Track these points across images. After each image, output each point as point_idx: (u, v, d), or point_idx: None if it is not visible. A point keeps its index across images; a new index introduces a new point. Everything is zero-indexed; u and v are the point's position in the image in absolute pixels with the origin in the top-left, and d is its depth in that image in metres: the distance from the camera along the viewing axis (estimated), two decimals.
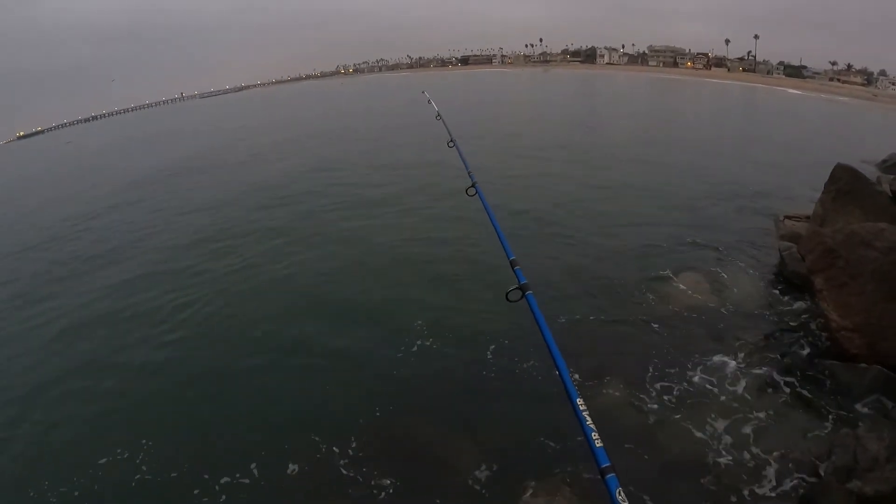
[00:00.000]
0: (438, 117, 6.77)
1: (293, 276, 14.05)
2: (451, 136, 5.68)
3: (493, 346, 9.93)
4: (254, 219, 19.59)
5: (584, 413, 1.99)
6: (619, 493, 1.69)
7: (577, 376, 8.76)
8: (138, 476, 8.03)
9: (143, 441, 8.65)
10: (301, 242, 16.14)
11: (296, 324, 11.68)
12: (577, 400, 2.03)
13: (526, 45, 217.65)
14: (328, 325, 11.55)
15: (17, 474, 8.57)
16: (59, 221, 24.16)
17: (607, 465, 1.78)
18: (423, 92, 8.69)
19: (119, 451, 8.51)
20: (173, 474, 8.00)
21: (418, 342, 10.44)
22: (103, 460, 8.40)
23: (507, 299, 2.74)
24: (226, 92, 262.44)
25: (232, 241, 17.43)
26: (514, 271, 2.94)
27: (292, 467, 7.89)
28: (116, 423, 9.35)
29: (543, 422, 7.84)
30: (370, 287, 12.61)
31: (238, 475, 7.84)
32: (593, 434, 1.88)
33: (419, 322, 11.00)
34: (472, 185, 4.22)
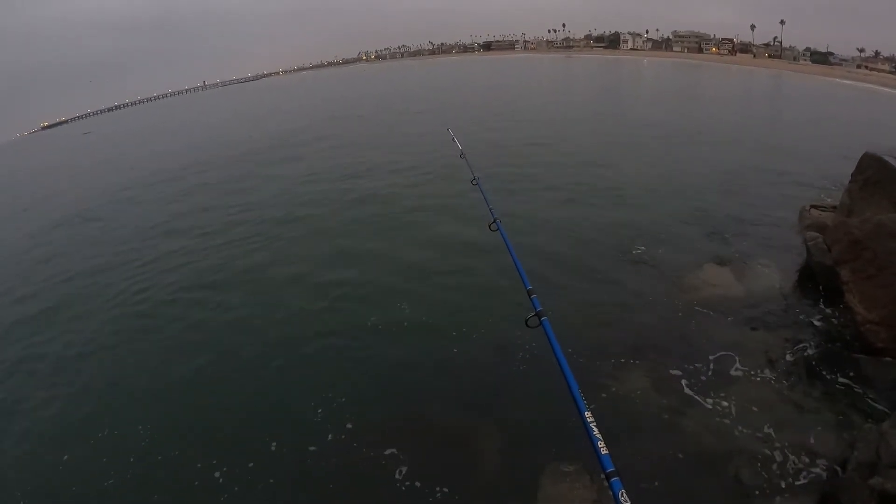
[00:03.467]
0: (462, 156, 7.22)
1: (333, 283, 13.90)
2: (473, 174, 6.03)
3: (513, 356, 9.78)
4: (271, 227, 19.63)
5: (591, 424, 2.26)
6: (622, 494, 1.91)
7: (590, 376, 8.73)
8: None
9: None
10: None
11: (330, 328, 11.65)
12: (586, 413, 2.33)
13: (549, 31, 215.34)
14: (355, 327, 11.58)
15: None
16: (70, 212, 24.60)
17: (611, 469, 2.03)
18: (447, 129, 9.23)
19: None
20: (182, 464, 8.20)
21: (442, 350, 10.38)
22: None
23: (527, 325, 3.15)
24: (247, 80, 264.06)
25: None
26: (531, 300, 3.32)
27: (307, 454, 8.04)
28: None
29: (559, 422, 7.77)
30: (397, 302, 12.50)
31: (253, 463, 8.01)
32: (599, 443, 2.15)
33: (443, 335, 10.92)
34: (494, 221, 4.79)
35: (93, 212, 25.17)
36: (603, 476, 2.05)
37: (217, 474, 7.82)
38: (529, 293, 3.42)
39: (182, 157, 37.39)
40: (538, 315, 3.14)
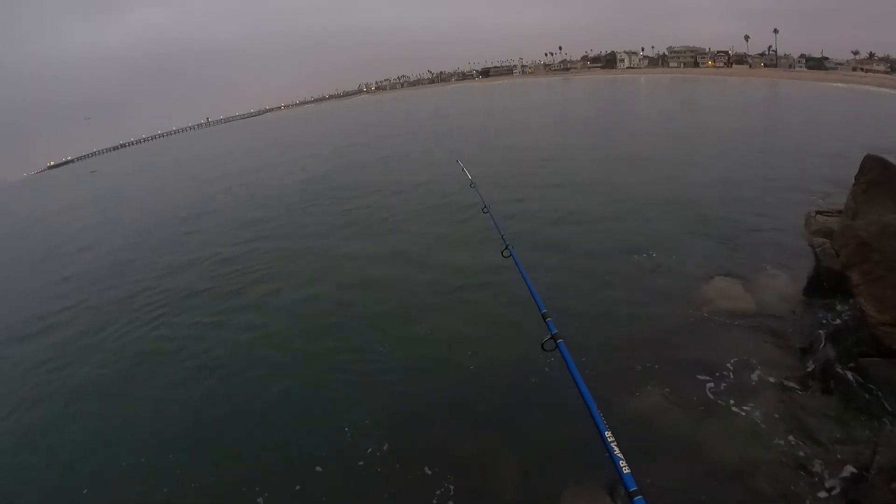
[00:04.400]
0: (472, 185, 7.56)
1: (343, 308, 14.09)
2: (484, 203, 6.19)
3: (530, 380, 9.78)
4: (285, 248, 19.84)
5: (612, 444, 2.25)
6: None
7: (608, 395, 8.72)
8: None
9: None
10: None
11: (349, 352, 11.79)
12: (606, 433, 2.33)
13: (545, 54, 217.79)
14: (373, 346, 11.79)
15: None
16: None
17: (635, 489, 2.01)
18: (456, 161, 9.70)
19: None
20: (222, 491, 8.24)
21: (460, 374, 10.42)
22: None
23: (543, 349, 3.19)
24: (249, 115, 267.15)
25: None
26: (546, 323, 3.38)
27: (326, 472, 8.18)
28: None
29: (579, 444, 7.75)
30: (414, 328, 12.56)
31: (300, 486, 8.07)
32: (621, 462, 2.14)
33: (460, 355, 11.01)
34: (507, 248, 4.98)
35: (112, 248, 25.28)
36: (626, 494, 2.04)
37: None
38: (544, 316, 3.47)
39: (189, 193, 37.73)
40: (553, 338, 3.18)
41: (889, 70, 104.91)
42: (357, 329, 12.66)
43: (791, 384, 8.56)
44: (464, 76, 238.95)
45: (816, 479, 6.68)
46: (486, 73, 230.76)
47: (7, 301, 20.90)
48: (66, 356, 13.92)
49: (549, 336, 3.21)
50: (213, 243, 22.55)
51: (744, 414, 8.02)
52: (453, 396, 9.63)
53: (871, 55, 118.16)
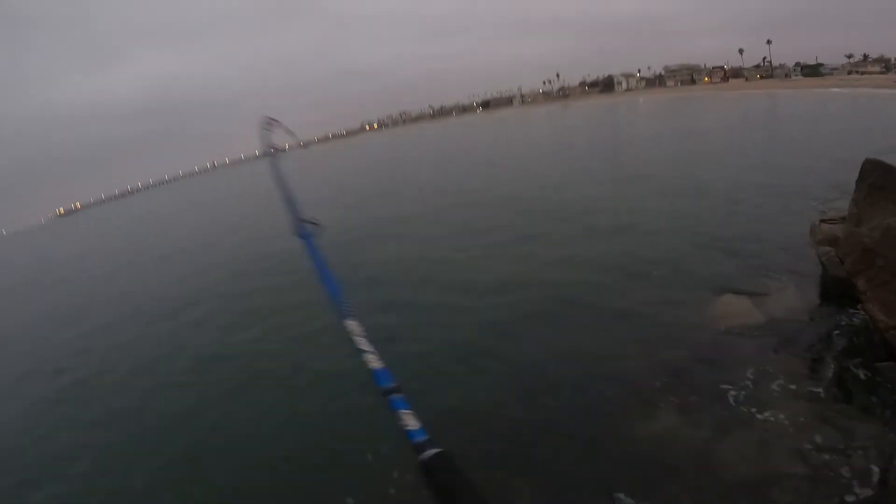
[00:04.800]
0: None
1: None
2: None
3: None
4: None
5: (355, 336, 1.90)
6: (405, 415, 1.60)
7: (619, 418, 8.87)
8: None
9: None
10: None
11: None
12: (348, 321, 1.96)
13: (543, 82, 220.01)
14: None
15: None
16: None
17: (391, 385, 1.68)
18: None
19: None
20: None
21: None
22: None
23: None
24: (255, 158, 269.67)
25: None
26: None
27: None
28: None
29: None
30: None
31: None
32: (369, 355, 1.80)
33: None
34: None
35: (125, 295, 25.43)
36: (380, 391, 1.67)
37: None
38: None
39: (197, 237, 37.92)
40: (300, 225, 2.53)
41: (885, 70, 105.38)
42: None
43: (807, 395, 8.56)
44: (464, 109, 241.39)
45: (842, 487, 6.65)
46: (486, 104, 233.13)
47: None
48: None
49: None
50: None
51: (762, 428, 8.01)
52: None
53: (866, 57, 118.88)
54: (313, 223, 2.62)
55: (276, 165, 3.35)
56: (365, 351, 1.84)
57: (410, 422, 1.57)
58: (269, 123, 4.20)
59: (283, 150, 3.77)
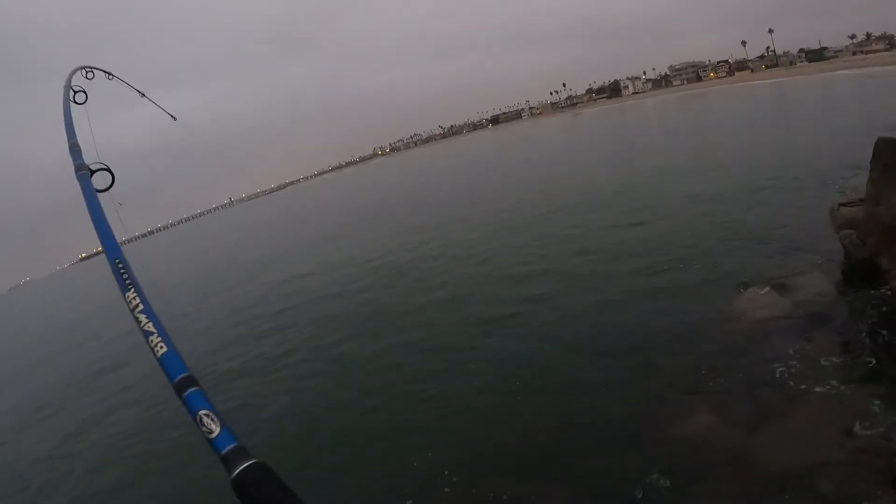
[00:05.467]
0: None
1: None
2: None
3: None
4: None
5: (136, 311, 1.54)
6: (206, 417, 1.24)
7: (655, 422, 8.85)
8: None
9: None
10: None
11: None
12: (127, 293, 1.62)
13: (551, 93, 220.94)
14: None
15: None
16: None
17: (184, 375, 1.35)
18: None
19: None
20: None
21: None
22: None
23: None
24: (272, 191, 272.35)
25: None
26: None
27: None
28: None
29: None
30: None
31: None
32: (154, 337, 1.45)
33: None
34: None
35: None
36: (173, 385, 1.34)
37: None
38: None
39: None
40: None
41: (889, 47, 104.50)
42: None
43: (842, 379, 8.45)
44: (475, 126, 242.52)
45: (875, 474, 6.59)
46: (495, 120, 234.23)
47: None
48: None
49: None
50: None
51: (798, 417, 7.95)
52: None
53: (869, 36, 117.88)
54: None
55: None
56: (149, 332, 1.46)
57: (213, 425, 1.22)
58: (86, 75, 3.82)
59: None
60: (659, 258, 16.25)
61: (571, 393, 10.37)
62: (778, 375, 8.99)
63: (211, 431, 1.20)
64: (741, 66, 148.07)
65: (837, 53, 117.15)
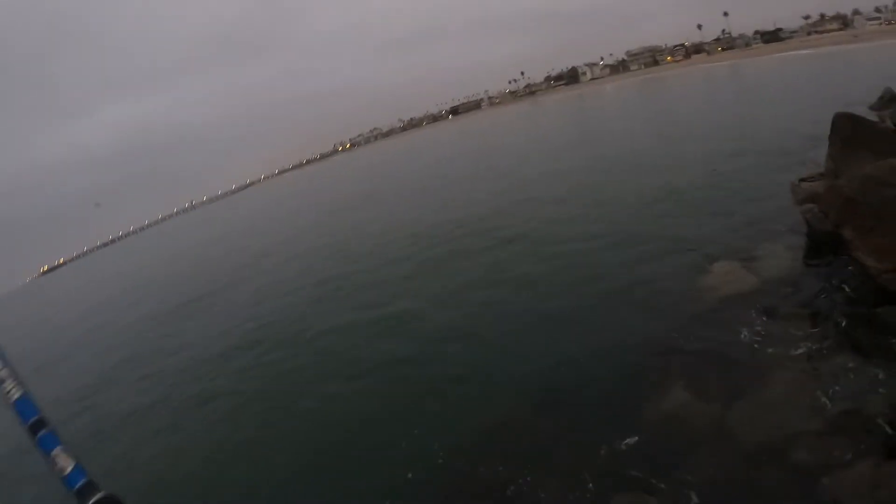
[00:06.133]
0: None
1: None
2: None
3: None
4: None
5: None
6: (56, 453, 1.30)
7: (630, 403, 8.82)
8: None
9: None
10: None
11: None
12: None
13: (509, 82, 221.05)
14: None
15: None
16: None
17: (36, 417, 1.36)
18: None
19: None
20: None
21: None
22: None
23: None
24: (233, 192, 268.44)
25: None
26: None
27: None
28: None
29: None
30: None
31: None
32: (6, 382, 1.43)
33: None
34: None
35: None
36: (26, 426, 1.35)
37: None
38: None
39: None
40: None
41: (843, 26, 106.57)
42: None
43: (811, 350, 8.55)
44: (434, 118, 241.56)
45: (856, 437, 6.63)
46: (454, 111, 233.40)
47: None
48: None
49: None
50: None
51: (771, 389, 7.99)
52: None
53: (823, 16, 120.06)
54: None
55: None
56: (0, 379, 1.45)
57: (65, 462, 1.28)
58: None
59: None
60: (622, 237, 16.42)
61: (542, 377, 10.30)
62: (749, 349, 9.06)
63: (62, 469, 1.25)
64: (698, 48, 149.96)
65: (793, 34, 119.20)
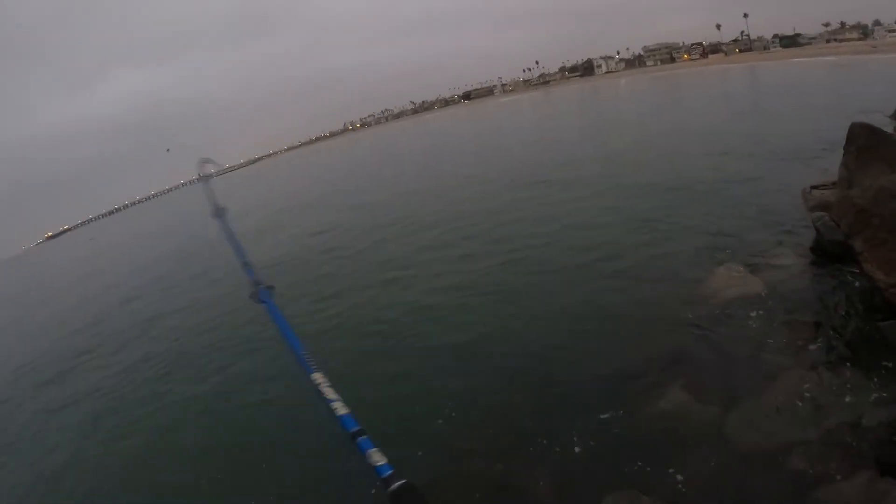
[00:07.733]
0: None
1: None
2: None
3: None
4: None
5: (321, 386, 2.13)
6: (373, 454, 1.82)
7: (628, 402, 8.74)
8: None
9: None
10: None
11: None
12: (314, 374, 2.19)
13: (524, 70, 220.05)
14: None
15: None
16: None
17: (357, 429, 1.93)
18: None
19: None
20: None
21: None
22: None
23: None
24: (241, 166, 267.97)
25: None
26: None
27: None
28: None
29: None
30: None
31: None
32: (335, 403, 2.04)
33: None
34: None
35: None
36: (347, 435, 1.92)
37: None
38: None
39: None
40: (257, 290, 2.81)
41: (863, 36, 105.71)
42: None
43: (812, 360, 8.49)
44: (446, 102, 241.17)
45: (852, 451, 6.59)
46: (467, 96, 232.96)
47: None
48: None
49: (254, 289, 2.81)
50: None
51: (771, 396, 7.94)
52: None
53: (843, 24, 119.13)
54: (269, 287, 2.83)
55: (226, 224, 3.44)
56: (331, 399, 2.06)
57: (377, 459, 1.78)
58: (205, 166, 4.18)
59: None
60: (631, 237, 16.30)
61: (543, 373, 10.26)
62: (751, 354, 9.02)
63: (375, 463, 1.76)
64: (715, 48, 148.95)
65: (811, 40, 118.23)
